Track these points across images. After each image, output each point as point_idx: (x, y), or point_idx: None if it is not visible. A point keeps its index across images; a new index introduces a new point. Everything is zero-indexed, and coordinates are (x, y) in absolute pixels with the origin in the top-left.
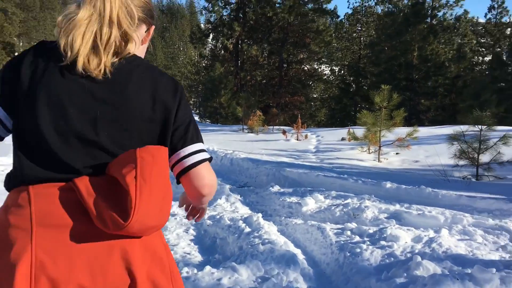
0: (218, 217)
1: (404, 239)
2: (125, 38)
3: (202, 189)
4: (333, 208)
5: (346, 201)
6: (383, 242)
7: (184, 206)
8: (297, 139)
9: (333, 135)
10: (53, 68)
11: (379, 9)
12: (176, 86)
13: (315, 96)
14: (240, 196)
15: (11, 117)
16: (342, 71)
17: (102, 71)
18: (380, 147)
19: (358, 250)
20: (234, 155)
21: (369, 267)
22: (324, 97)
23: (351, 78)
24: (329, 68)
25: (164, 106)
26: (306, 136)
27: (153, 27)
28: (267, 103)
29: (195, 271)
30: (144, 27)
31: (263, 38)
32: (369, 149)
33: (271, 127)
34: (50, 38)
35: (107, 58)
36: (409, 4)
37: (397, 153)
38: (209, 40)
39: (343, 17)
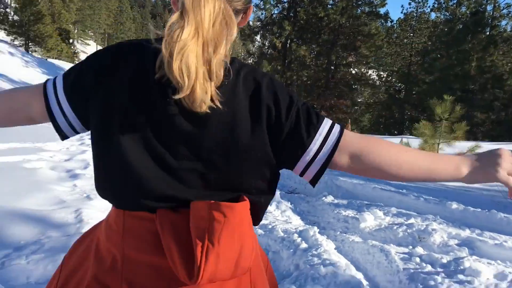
0: (270, 227)
1: (485, 274)
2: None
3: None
4: (395, 227)
5: (409, 221)
6: (461, 276)
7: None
8: None
9: None
10: (161, 92)
11: (433, 15)
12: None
13: (360, 100)
14: (291, 204)
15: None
16: (390, 77)
17: (209, 102)
18: None
19: (433, 282)
20: None
21: None
22: (369, 102)
23: (400, 85)
24: (376, 73)
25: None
26: None
27: (251, 7)
28: (311, 105)
29: None
30: (240, 15)
31: (312, 39)
32: None
33: None
34: (102, 28)
35: (212, 86)
36: (468, 12)
37: None
38: (257, 37)
39: (394, 22)
